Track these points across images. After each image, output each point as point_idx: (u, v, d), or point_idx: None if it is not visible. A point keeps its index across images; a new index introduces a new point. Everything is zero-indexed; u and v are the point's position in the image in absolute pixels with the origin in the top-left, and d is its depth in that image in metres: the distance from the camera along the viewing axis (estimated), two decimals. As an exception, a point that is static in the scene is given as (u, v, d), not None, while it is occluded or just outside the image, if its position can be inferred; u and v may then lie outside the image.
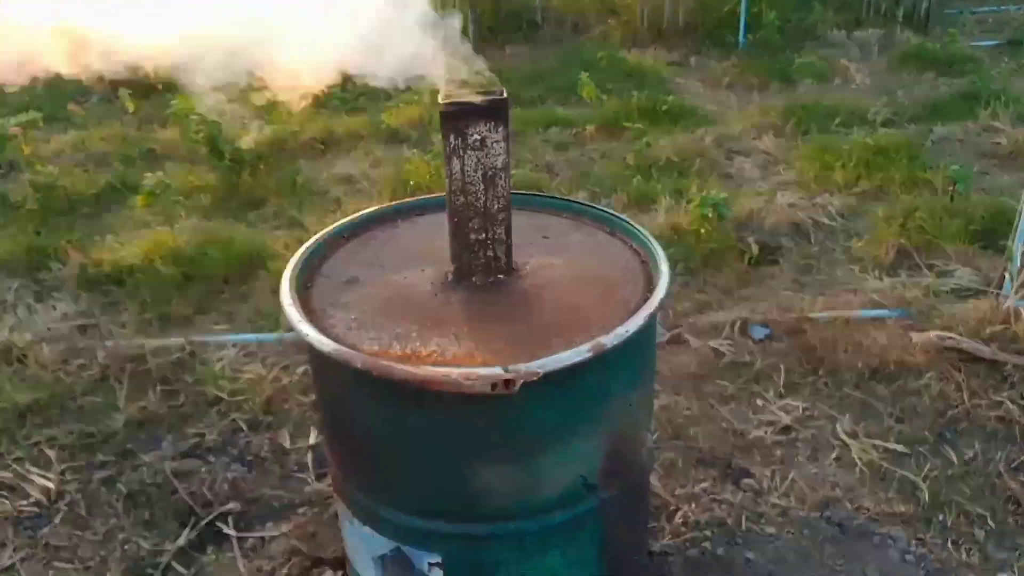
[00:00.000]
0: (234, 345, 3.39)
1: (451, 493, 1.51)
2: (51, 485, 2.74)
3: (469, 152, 1.54)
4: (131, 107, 5.95)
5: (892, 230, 4.01)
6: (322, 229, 4.47)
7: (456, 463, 1.48)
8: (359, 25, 1.28)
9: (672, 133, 5.41)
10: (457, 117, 1.50)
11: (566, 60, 6.99)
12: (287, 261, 4.12)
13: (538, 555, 1.58)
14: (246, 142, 4.73)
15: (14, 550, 2.54)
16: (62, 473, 2.80)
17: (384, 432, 1.50)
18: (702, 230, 3.91)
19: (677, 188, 4.54)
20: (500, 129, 1.53)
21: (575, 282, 1.67)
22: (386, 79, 1.41)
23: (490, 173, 1.56)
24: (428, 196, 2.05)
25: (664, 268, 1.61)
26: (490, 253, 1.65)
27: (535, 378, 1.34)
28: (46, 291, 3.91)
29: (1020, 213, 3.25)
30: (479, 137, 1.52)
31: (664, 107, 5.71)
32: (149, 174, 4.08)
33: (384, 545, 1.62)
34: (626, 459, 1.63)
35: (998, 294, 3.34)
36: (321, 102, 6.28)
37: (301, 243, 4.30)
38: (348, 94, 6.37)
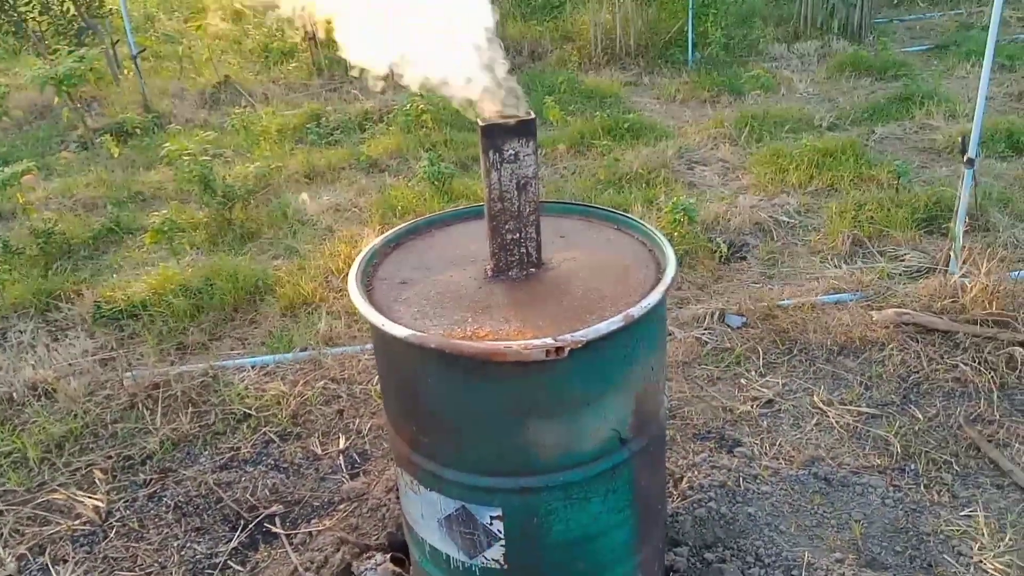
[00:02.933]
0: (253, 367, 3.62)
1: (509, 451, 1.78)
2: (100, 504, 2.93)
3: (505, 165, 1.83)
4: (115, 152, 6.12)
5: (845, 223, 4.40)
6: (319, 256, 4.68)
7: (514, 424, 1.75)
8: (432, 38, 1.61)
9: (636, 148, 5.77)
10: (495, 135, 1.79)
11: (528, 85, 7.34)
12: (290, 287, 4.34)
13: (582, 502, 1.85)
14: (236, 178, 4.96)
15: (75, 564, 2.73)
16: (108, 493, 3.00)
17: (451, 402, 1.77)
18: (675, 233, 4.24)
19: (647, 198, 4.88)
20: (530, 143, 1.82)
21: (595, 270, 1.96)
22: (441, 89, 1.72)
23: (523, 181, 1.85)
24: (453, 210, 2.33)
25: (670, 251, 1.92)
26: (523, 250, 1.94)
27: (580, 345, 1.62)
28: (60, 330, 4.09)
29: (958, 199, 3.66)
30: (513, 151, 1.82)
31: (626, 124, 6.07)
32: (155, 213, 4.28)
33: (449, 505, 1.88)
34: (650, 414, 1.92)
35: (945, 272, 3.73)
36: (298, 137, 6.53)
37: (301, 269, 4.52)
38: (323, 129, 6.63)
